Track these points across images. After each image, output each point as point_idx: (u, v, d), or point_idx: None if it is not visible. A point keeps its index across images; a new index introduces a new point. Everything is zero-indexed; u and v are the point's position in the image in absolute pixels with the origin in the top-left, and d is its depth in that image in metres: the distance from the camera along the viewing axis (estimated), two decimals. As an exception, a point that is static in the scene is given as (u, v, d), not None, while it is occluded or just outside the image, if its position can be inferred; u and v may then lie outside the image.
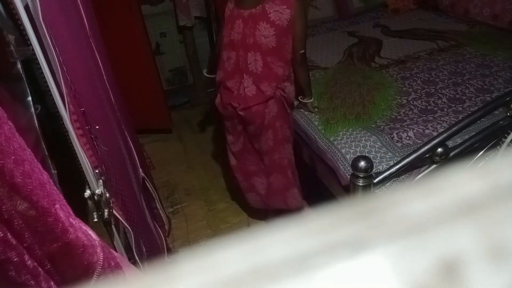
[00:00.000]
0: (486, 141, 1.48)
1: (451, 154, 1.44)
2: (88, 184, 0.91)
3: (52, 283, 0.53)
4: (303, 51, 1.83)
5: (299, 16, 1.75)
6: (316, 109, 2.09)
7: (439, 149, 1.39)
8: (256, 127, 1.89)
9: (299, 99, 2.05)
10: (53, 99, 0.80)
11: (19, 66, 0.67)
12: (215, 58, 2.01)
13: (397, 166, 1.42)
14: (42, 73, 0.77)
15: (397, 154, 1.67)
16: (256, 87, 1.82)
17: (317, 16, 3.17)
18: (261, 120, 1.86)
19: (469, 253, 0.16)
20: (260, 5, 1.74)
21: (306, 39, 1.87)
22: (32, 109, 0.69)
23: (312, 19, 3.15)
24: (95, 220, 0.91)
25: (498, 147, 1.36)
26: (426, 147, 1.40)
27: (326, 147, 1.88)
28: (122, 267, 0.75)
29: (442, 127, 1.75)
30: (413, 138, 1.75)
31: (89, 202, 0.90)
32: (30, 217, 0.51)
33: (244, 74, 1.82)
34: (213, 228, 2.33)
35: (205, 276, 0.16)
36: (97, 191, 0.91)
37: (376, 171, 1.56)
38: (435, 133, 1.71)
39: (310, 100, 2.04)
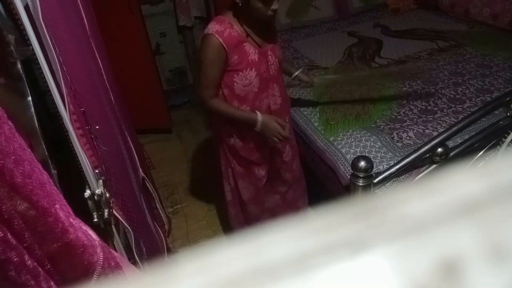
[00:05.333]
0: (486, 141, 1.47)
1: (451, 154, 1.44)
2: (88, 184, 0.91)
3: (52, 283, 0.53)
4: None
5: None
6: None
7: (439, 149, 1.39)
8: None
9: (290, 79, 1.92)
10: (53, 99, 0.80)
11: (19, 66, 0.67)
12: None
13: (397, 166, 1.42)
14: (42, 73, 0.77)
15: (397, 154, 1.67)
16: None
17: (317, 16, 3.17)
18: None
19: (469, 253, 0.16)
20: None
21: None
22: (32, 109, 0.69)
23: (312, 19, 3.15)
24: (95, 220, 0.91)
25: (498, 147, 1.36)
26: (426, 147, 1.40)
27: (326, 147, 1.88)
28: (122, 267, 0.75)
29: (442, 127, 1.75)
30: (413, 138, 1.75)
31: (89, 202, 0.90)
32: (30, 217, 0.51)
33: None
34: (213, 228, 2.33)
35: (205, 276, 0.16)
36: (97, 191, 0.91)
37: (376, 171, 1.56)
38: (435, 133, 1.71)
39: (297, 72, 1.89)
